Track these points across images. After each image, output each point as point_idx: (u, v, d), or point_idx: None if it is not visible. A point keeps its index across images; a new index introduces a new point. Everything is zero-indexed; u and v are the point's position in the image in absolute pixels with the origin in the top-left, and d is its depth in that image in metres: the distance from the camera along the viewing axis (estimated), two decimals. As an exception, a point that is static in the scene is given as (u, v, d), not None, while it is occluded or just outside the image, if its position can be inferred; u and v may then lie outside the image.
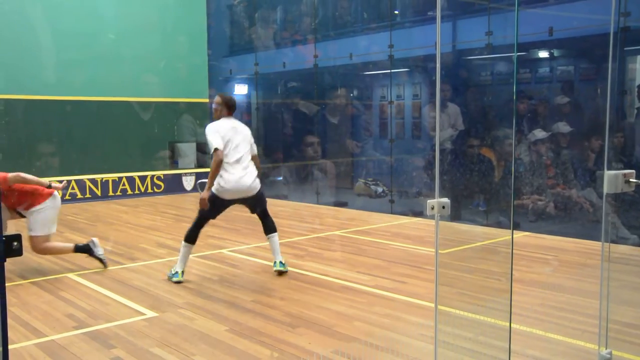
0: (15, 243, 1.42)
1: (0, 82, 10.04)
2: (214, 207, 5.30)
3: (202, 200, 5.18)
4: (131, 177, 11.61)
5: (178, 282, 5.26)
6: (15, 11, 10.24)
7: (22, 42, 10.24)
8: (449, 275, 5.47)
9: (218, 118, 5.46)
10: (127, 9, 11.58)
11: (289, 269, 5.66)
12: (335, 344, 3.76)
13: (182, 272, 5.32)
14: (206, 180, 5.26)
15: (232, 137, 5.30)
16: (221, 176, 5.23)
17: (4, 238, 1.38)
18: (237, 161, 5.29)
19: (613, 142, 6.98)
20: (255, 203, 5.52)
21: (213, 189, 5.24)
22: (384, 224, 8.32)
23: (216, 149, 5.17)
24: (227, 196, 5.28)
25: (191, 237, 5.35)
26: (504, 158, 8.16)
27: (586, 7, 7.28)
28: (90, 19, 11.09)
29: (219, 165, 5.20)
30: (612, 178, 2.74)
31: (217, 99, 5.53)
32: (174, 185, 12.22)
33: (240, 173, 5.28)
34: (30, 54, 10.42)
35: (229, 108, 5.46)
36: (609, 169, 2.78)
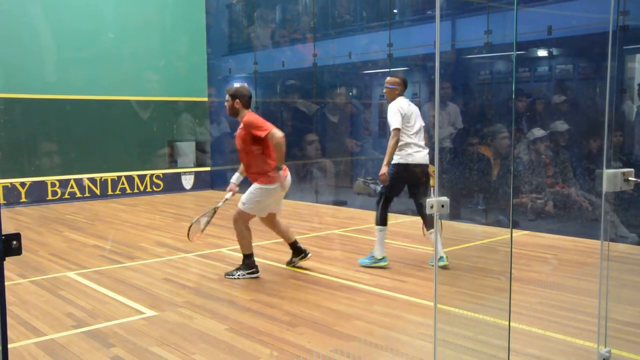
0: (14, 242, 1.41)
1: (0, 81, 10.05)
2: (399, 183, 5.65)
3: (382, 175, 5.47)
4: (130, 176, 11.61)
5: (385, 267, 5.57)
6: (15, 10, 10.23)
7: (22, 41, 10.23)
8: (448, 274, 5.47)
9: (394, 98, 5.69)
10: (126, 8, 11.57)
11: (290, 268, 5.66)
12: (334, 343, 3.76)
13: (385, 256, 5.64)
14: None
15: (410, 115, 5.61)
16: (406, 152, 5.53)
17: (3, 237, 1.38)
18: (416, 135, 5.64)
19: (612, 140, 6.98)
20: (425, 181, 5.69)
21: (396, 163, 5.55)
22: (383, 222, 8.31)
23: (397, 129, 5.47)
24: (409, 171, 5.57)
25: (383, 220, 5.67)
26: (502, 156, 8.16)
27: (585, 6, 7.28)
28: (90, 18, 11.08)
29: (397, 143, 5.48)
30: (611, 177, 2.75)
31: (395, 79, 5.72)
32: (173, 184, 12.22)
33: (419, 148, 5.65)
34: (30, 53, 10.41)
35: (405, 87, 5.80)
36: (607, 167, 2.79)
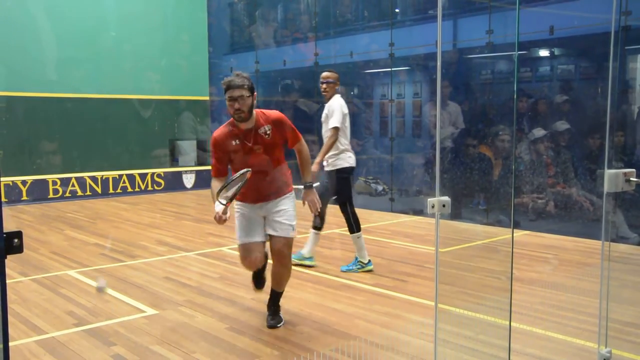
0: (15, 240, 1.42)
1: (1, 79, 10.04)
2: (350, 186, 5.56)
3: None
4: (131, 174, 11.62)
5: (370, 271, 5.48)
6: (17, 8, 10.23)
7: (23, 40, 10.23)
8: (449, 273, 5.47)
9: (333, 95, 5.52)
10: (128, 6, 11.57)
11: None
12: (335, 342, 3.76)
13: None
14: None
15: (346, 115, 5.49)
16: (348, 154, 5.45)
17: (4, 235, 1.38)
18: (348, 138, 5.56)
19: (614, 141, 6.98)
20: None
21: (346, 165, 5.42)
22: (384, 222, 8.32)
23: (337, 128, 5.33)
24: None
25: (358, 225, 5.54)
26: (502, 156, 8.16)
27: (587, 6, 7.27)
28: (92, 16, 11.09)
29: (334, 143, 5.35)
30: (612, 177, 2.74)
31: (335, 74, 5.55)
32: (174, 183, 12.22)
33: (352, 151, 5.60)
34: (31, 51, 10.41)
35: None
36: (609, 168, 2.78)
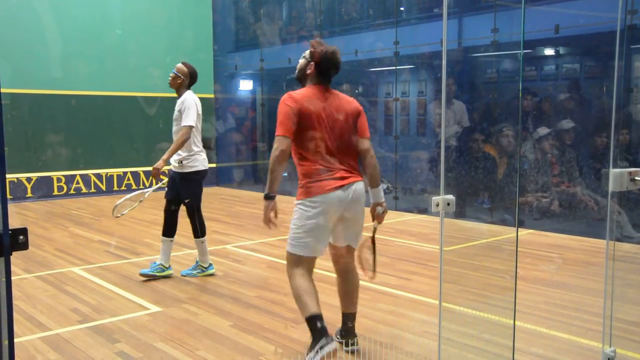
0: (21, 237, 1.42)
1: (6, 76, 10.07)
2: (201, 189, 5.36)
3: (155, 169, 5.11)
4: (136, 172, 11.64)
5: (211, 275, 5.37)
6: (22, 6, 10.26)
7: (28, 37, 10.26)
8: (453, 272, 5.46)
9: (180, 89, 5.23)
10: (133, 4, 11.59)
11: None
12: (338, 340, 3.76)
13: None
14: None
15: (200, 115, 5.21)
16: (202, 156, 5.20)
17: (10, 232, 1.39)
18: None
19: (619, 140, 6.95)
20: None
21: (201, 169, 5.19)
22: (388, 220, 8.31)
23: (191, 127, 5.05)
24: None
25: (204, 230, 5.38)
26: (507, 154, 8.14)
27: (592, 4, 7.25)
28: (97, 14, 11.11)
29: (184, 142, 5.04)
30: (617, 176, 2.73)
31: (184, 69, 5.26)
32: (178, 181, 12.23)
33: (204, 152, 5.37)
34: (36, 48, 10.44)
35: (194, 80, 5.37)
36: (614, 167, 2.77)
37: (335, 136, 3.45)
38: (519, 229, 7.31)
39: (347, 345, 3.62)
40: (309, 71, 3.62)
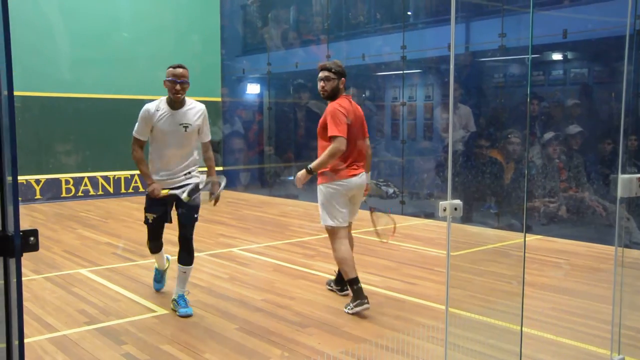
0: (32, 238, 1.43)
1: (17, 80, 10.07)
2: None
3: None
4: (143, 175, 11.69)
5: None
6: (32, 10, 10.34)
7: (39, 41, 10.33)
8: (460, 277, 5.44)
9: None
10: (141, 8, 11.66)
11: (300, 268, 5.66)
12: (344, 344, 3.76)
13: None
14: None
15: None
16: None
17: (21, 233, 1.40)
18: None
19: (627, 145, 6.92)
20: None
21: None
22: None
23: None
24: None
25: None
26: (514, 159, 8.12)
27: (601, 9, 7.23)
28: (106, 18, 11.18)
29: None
30: (626, 182, 2.72)
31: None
32: (185, 184, 12.26)
33: None
34: (46, 52, 10.52)
35: None
36: (623, 172, 2.76)
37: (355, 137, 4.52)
38: (526, 234, 7.28)
39: (341, 290, 4.83)
40: (341, 85, 4.63)
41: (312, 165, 4.40)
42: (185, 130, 4.35)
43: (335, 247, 4.45)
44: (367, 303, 4.29)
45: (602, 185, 7.47)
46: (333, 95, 4.56)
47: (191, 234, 4.36)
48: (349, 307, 4.36)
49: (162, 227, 4.52)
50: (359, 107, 4.70)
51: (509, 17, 8.17)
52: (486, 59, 9.05)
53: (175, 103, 4.44)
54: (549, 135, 7.93)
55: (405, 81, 10.22)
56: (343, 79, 4.60)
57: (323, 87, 4.61)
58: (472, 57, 9.14)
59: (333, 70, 4.57)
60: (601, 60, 8.35)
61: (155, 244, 4.61)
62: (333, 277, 5.00)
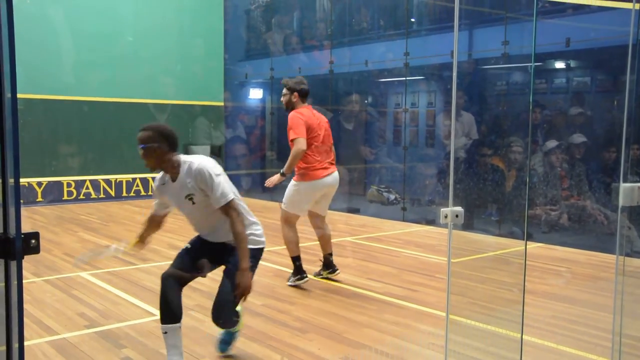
0: (33, 241, 1.44)
1: (20, 82, 10.14)
2: None
3: None
4: (145, 178, 11.70)
5: None
6: (36, 13, 10.39)
7: (42, 43, 10.38)
8: (461, 284, 5.44)
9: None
10: (145, 12, 11.71)
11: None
12: (344, 350, 3.75)
13: None
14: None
15: None
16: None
17: (22, 235, 1.40)
18: None
19: (629, 154, 6.91)
20: None
21: None
22: (396, 231, 8.30)
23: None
24: None
25: None
26: (515, 167, 8.11)
27: (604, 18, 7.24)
28: (109, 21, 11.23)
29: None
30: (628, 191, 2.72)
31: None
32: (187, 188, 12.27)
33: None
34: (49, 55, 10.56)
35: None
36: (624, 181, 2.76)
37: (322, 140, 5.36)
38: (528, 242, 7.27)
39: (331, 273, 5.44)
40: (294, 99, 5.38)
41: (284, 168, 5.20)
42: (193, 203, 3.47)
43: (285, 229, 5.26)
44: (307, 277, 5.20)
45: (603, 193, 7.45)
46: (290, 107, 5.34)
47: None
48: (290, 280, 5.24)
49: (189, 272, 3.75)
50: (322, 115, 5.53)
51: (512, 25, 8.18)
52: (489, 66, 9.06)
53: (165, 173, 3.55)
54: (552, 143, 7.92)
55: (407, 88, 10.23)
56: (295, 93, 5.33)
57: (282, 101, 5.46)
58: (475, 64, 9.15)
59: (288, 87, 5.37)
60: (604, 69, 8.35)
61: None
62: (319, 269, 5.58)
